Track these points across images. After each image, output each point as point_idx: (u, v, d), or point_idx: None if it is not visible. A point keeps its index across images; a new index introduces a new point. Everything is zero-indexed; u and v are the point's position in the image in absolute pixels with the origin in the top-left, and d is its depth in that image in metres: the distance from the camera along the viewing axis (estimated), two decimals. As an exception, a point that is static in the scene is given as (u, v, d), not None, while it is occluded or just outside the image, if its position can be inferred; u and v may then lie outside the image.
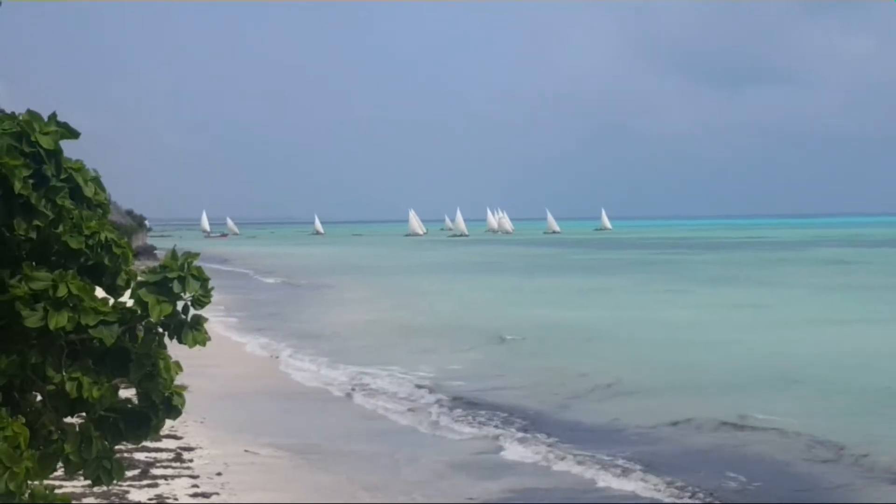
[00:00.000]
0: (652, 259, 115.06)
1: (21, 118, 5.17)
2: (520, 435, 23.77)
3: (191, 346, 5.15)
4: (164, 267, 5.05)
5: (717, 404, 27.23)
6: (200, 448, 21.52)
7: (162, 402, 5.33)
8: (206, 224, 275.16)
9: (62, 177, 5.29)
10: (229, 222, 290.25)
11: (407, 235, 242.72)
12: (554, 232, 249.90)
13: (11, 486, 4.35)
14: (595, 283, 75.05)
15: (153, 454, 20.55)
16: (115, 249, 5.39)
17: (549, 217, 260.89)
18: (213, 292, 5.14)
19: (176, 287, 4.97)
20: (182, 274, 5.00)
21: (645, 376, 31.98)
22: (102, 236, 5.34)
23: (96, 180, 5.56)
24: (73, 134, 5.34)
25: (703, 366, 34.10)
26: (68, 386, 5.14)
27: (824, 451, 22.16)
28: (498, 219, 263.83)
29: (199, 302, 5.06)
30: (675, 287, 68.95)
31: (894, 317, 48.78)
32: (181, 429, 22.74)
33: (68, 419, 5.41)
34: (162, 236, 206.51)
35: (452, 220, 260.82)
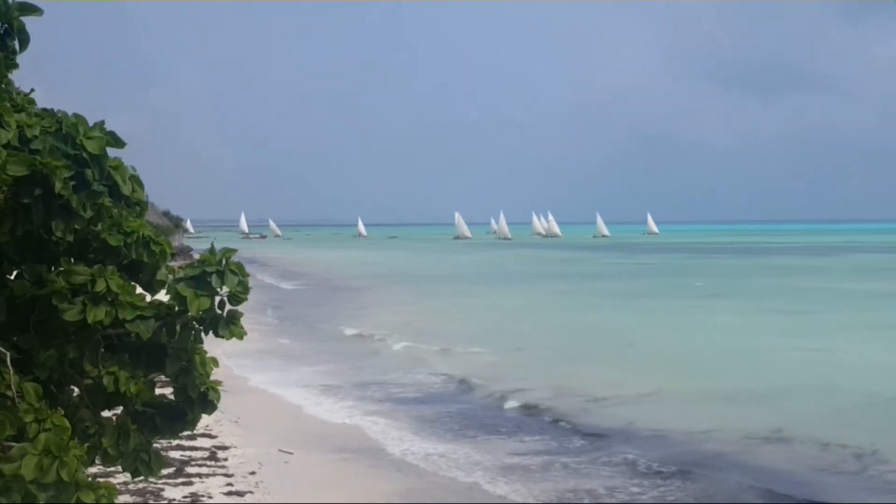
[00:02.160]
0: (692, 264, 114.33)
1: (64, 121, 5.19)
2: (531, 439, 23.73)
3: (228, 339, 5.17)
4: (202, 262, 5.07)
5: (748, 412, 27.05)
6: (235, 447, 21.64)
7: (198, 397, 5.36)
8: (244, 225, 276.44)
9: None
10: (271, 224, 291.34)
11: (456, 238, 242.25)
12: (603, 236, 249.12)
13: (64, 476, 4.39)
14: (632, 287, 74.78)
15: (188, 453, 20.69)
16: (153, 247, 5.42)
17: (599, 221, 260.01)
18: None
19: (214, 281, 4.98)
20: (220, 269, 5.02)
21: (678, 382, 31.79)
22: (141, 234, 5.37)
23: (135, 178, 5.58)
24: (119, 143, 5.35)
25: (738, 373, 33.84)
26: (105, 380, 5.18)
27: (853, 461, 21.91)
28: (547, 223, 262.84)
29: (236, 297, 5.07)
30: (714, 292, 68.48)
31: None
32: (216, 428, 22.89)
33: (105, 413, 5.46)
34: (198, 237, 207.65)
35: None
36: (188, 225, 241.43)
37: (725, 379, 32.45)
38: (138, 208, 5.59)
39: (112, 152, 5.47)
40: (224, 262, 5.05)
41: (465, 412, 27.27)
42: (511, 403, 28.32)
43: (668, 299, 63.56)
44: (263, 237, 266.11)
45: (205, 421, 5.54)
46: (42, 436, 4.44)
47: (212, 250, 5.12)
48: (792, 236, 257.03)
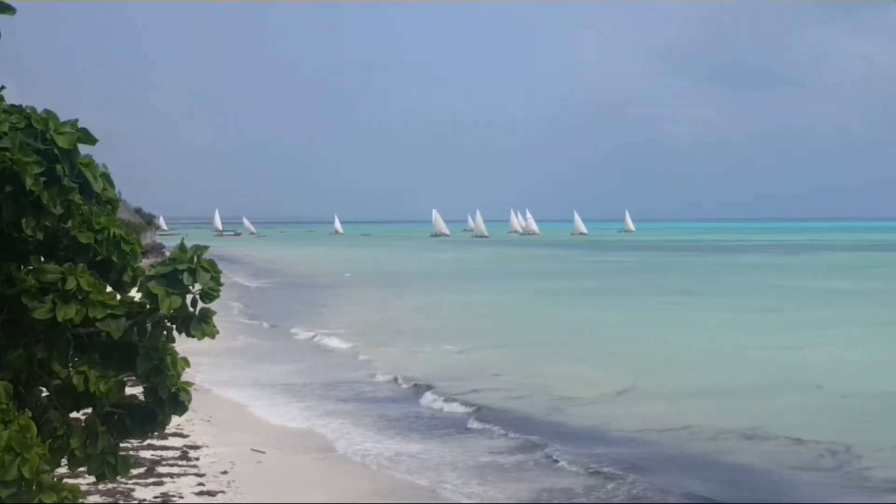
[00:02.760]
0: (666, 262, 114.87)
1: (34, 116, 5.11)
2: (505, 437, 23.72)
3: (200, 339, 5.11)
4: (173, 259, 5.02)
5: (723, 409, 27.17)
6: (206, 446, 21.51)
7: (168, 398, 5.29)
8: (218, 223, 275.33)
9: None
10: (245, 221, 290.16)
11: (433, 236, 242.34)
12: (581, 234, 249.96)
13: (25, 473, 4.33)
14: (604, 285, 75.07)
15: (159, 452, 20.54)
16: (123, 246, 5.36)
17: (577, 219, 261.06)
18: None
19: (186, 279, 4.93)
20: (192, 266, 4.96)
21: (652, 380, 31.88)
22: (111, 232, 5.31)
23: (106, 176, 5.52)
24: (91, 140, 5.29)
25: (713, 370, 34.00)
26: (75, 379, 5.11)
27: (829, 458, 22.06)
28: (525, 220, 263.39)
29: (209, 295, 5.02)
30: (686, 290, 68.81)
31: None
32: (187, 427, 22.75)
33: (74, 414, 5.39)
34: (171, 234, 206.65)
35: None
36: (161, 222, 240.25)
37: (700, 376, 32.58)
38: (109, 206, 5.52)
39: (85, 150, 5.40)
40: (196, 259, 5.00)
41: (435, 411, 27.21)
42: (484, 402, 28.25)
43: (640, 297, 63.79)
44: (238, 234, 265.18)
45: (176, 419, 5.45)
46: (4, 433, 4.38)
47: (182, 247, 5.06)
48: (764, 234, 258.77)
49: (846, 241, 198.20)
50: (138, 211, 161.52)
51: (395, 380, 31.81)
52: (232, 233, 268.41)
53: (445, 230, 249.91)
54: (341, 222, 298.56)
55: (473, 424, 25.33)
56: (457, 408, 27.43)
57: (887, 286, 72.87)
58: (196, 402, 5.68)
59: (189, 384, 5.41)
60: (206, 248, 5.09)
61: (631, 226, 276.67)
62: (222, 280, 5.12)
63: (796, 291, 67.99)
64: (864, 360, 36.38)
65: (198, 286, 4.99)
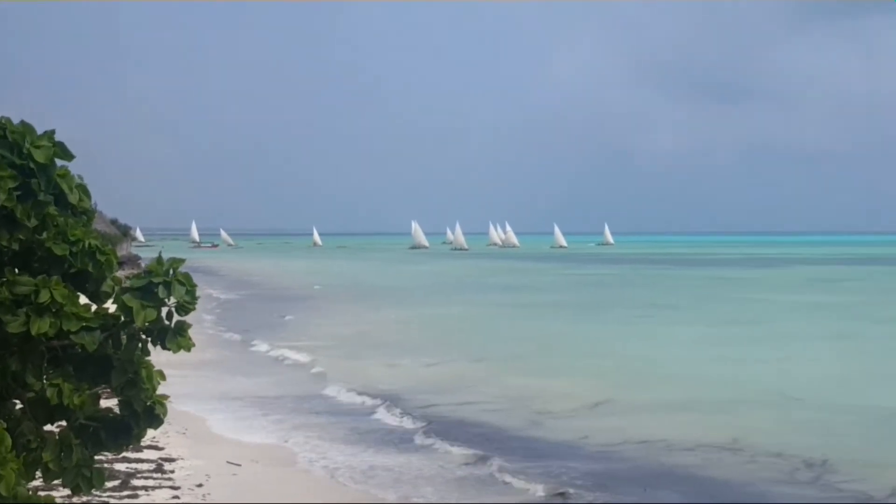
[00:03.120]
0: (643, 275, 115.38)
1: (9, 128, 5.08)
2: (478, 452, 23.61)
3: (175, 352, 5.10)
4: (149, 272, 5.00)
5: (701, 422, 27.25)
6: (182, 459, 21.38)
7: (143, 411, 5.27)
8: (195, 234, 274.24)
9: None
10: (223, 233, 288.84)
11: (412, 248, 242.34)
12: (560, 246, 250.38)
13: (2, 490, 4.29)
14: (581, 298, 75.30)
15: (134, 465, 20.39)
16: (99, 257, 5.33)
17: (557, 232, 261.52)
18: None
19: (161, 292, 4.92)
20: (167, 279, 4.95)
21: (626, 394, 31.93)
22: (87, 243, 5.28)
23: (81, 187, 5.49)
24: (68, 155, 5.27)
25: (690, 384, 34.07)
26: (49, 392, 5.08)
27: (806, 471, 22.16)
28: (505, 233, 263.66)
29: (184, 308, 5.01)
30: (663, 304, 69.09)
31: (877, 334, 49.16)
32: (162, 439, 22.60)
33: (48, 427, 5.35)
34: (147, 246, 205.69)
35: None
36: (138, 233, 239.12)
37: (675, 390, 32.64)
38: (85, 217, 5.50)
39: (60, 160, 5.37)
40: (171, 272, 4.98)
41: (408, 426, 26.95)
42: (459, 416, 28.19)
43: (615, 310, 63.98)
44: (215, 246, 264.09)
45: (151, 432, 5.42)
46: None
47: (159, 260, 5.05)
48: (741, 248, 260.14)
49: (819, 254, 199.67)
50: (114, 222, 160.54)
51: (366, 393, 31.46)
52: (210, 244, 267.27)
53: (425, 242, 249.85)
54: (320, 234, 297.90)
55: (445, 438, 25.15)
56: (429, 421, 27.28)
57: (859, 299, 73.49)
58: (171, 414, 5.65)
59: (164, 397, 5.40)
60: (181, 260, 5.08)
61: (610, 239, 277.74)
62: (197, 292, 5.11)
63: (770, 304, 68.41)
64: (838, 374, 36.65)
65: (173, 299, 4.97)
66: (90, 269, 5.31)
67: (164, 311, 5.05)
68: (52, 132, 5.18)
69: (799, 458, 22.97)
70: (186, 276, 5.04)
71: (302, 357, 40.43)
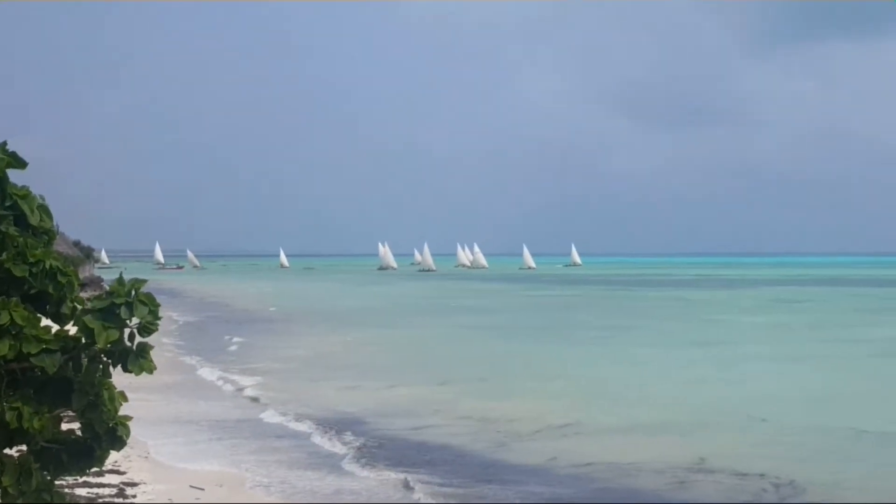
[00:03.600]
0: (612, 296, 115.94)
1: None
2: (441, 478, 23.44)
3: (137, 374, 5.04)
4: (111, 293, 4.94)
5: (669, 443, 27.32)
6: (144, 483, 21.14)
7: (106, 433, 5.20)
8: (159, 255, 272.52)
9: (6, 203, 5.17)
10: (190, 255, 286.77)
11: (380, 269, 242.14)
12: (529, 268, 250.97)
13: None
14: (544, 319, 75.51)
15: (95, 490, 20.14)
16: (59, 278, 5.27)
17: (526, 253, 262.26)
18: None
19: (123, 313, 4.86)
20: (129, 300, 4.90)
21: (593, 416, 31.93)
22: (47, 264, 5.22)
23: (43, 207, 5.44)
24: (20, 164, 5.22)
25: (656, 405, 34.14)
26: (8, 415, 5.00)
27: (773, 492, 22.27)
28: (474, 254, 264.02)
29: (147, 329, 4.96)
30: (626, 324, 69.39)
31: (839, 354, 49.67)
32: (124, 463, 22.35)
33: (7, 451, 5.27)
34: (111, 268, 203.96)
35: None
36: (103, 255, 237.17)
37: (643, 411, 32.69)
38: (45, 238, 5.44)
39: (21, 180, 5.31)
40: (133, 292, 4.93)
41: (375, 449, 26.65)
42: (425, 439, 28.03)
43: (581, 332, 64.12)
44: (181, 268, 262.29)
45: (113, 456, 5.35)
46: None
47: (120, 281, 5.00)
48: (705, 269, 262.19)
49: (781, 275, 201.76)
50: (77, 244, 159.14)
51: (322, 417, 31.04)
52: (175, 266, 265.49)
53: (393, 264, 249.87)
54: (287, 256, 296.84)
55: (404, 463, 24.94)
56: (401, 444, 27.14)
57: (820, 319, 74.23)
58: (133, 438, 5.58)
59: (127, 418, 5.33)
60: (143, 281, 5.03)
61: (578, 260, 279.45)
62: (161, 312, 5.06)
63: (733, 325, 68.93)
64: (802, 394, 36.92)
65: (135, 320, 4.92)
66: (50, 290, 5.26)
67: (127, 332, 5.00)
68: (4, 143, 5.13)
69: (766, 479, 23.08)
70: (149, 296, 5.00)
71: (254, 381, 39.84)
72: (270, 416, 31.57)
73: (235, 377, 41.17)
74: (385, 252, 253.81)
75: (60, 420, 5.37)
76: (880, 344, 54.92)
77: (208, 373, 43.06)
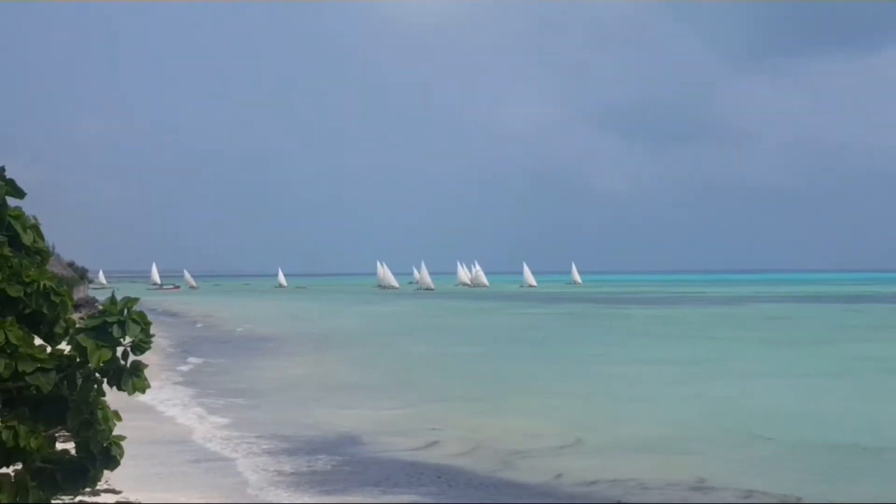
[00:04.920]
0: (610, 313, 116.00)
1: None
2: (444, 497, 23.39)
3: (131, 394, 5.07)
4: (103, 312, 4.98)
5: (669, 461, 27.27)
6: (140, 503, 21.07)
7: (100, 452, 5.23)
8: (156, 276, 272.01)
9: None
10: (186, 274, 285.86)
11: (381, 288, 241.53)
12: (530, 286, 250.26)
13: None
14: (543, 337, 75.51)
15: (91, 510, 20.06)
16: (53, 298, 5.31)
17: (526, 271, 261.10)
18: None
19: (116, 332, 4.89)
20: (122, 318, 4.93)
21: (594, 434, 31.82)
22: (41, 284, 5.26)
23: (35, 228, 5.48)
24: (19, 193, 5.26)
25: (656, 422, 34.05)
26: (4, 434, 5.03)
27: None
28: (474, 272, 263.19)
29: (140, 347, 4.99)
30: (623, 341, 69.40)
31: (831, 371, 49.81)
32: (119, 483, 22.29)
33: (3, 469, 5.29)
34: (107, 288, 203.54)
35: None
36: (100, 276, 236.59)
37: (644, 428, 32.59)
38: (39, 258, 5.48)
39: (13, 201, 5.35)
40: (126, 311, 4.96)
41: (373, 468, 26.54)
42: (425, 458, 27.92)
43: (580, 349, 64.10)
44: (177, 287, 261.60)
45: (108, 474, 5.38)
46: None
47: (112, 300, 5.03)
48: (700, 286, 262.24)
49: (773, 292, 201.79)
50: (71, 265, 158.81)
51: (322, 437, 31.00)
52: (171, 286, 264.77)
53: (394, 283, 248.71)
54: (286, 275, 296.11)
55: (420, 479, 24.96)
56: (400, 463, 27.06)
57: (814, 336, 74.36)
58: (127, 456, 5.60)
59: (121, 438, 5.36)
60: (136, 300, 5.07)
61: (577, 278, 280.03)
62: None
63: (730, 342, 68.97)
64: (801, 410, 36.93)
65: (128, 339, 4.95)
66: (45, 310, 5.29)
67: (120, 350, 5.03)
68: (2, 169, 5.17)
69: (769, 496, 23.02)
70: (141, 314, 5.04)
71: (249, 402, 39.80)
72: (257, 437, 31.36)
73: (224, 399, 41.03)
74: (384, 272, 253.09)
75: (55, 439, 5.40)
76: (881, 361, 54.94)
77: (196, 392, 42.87)
